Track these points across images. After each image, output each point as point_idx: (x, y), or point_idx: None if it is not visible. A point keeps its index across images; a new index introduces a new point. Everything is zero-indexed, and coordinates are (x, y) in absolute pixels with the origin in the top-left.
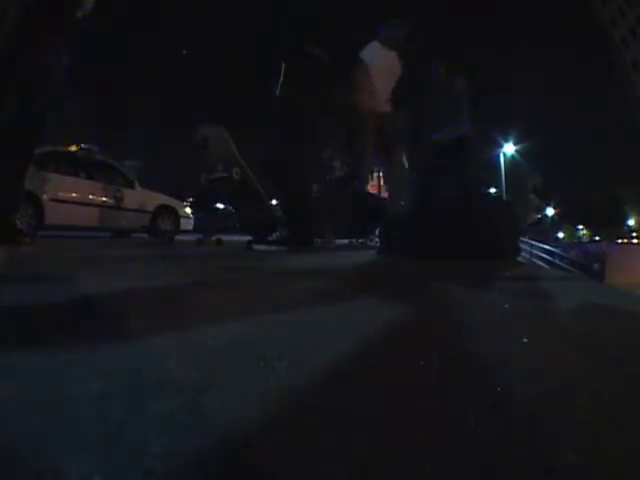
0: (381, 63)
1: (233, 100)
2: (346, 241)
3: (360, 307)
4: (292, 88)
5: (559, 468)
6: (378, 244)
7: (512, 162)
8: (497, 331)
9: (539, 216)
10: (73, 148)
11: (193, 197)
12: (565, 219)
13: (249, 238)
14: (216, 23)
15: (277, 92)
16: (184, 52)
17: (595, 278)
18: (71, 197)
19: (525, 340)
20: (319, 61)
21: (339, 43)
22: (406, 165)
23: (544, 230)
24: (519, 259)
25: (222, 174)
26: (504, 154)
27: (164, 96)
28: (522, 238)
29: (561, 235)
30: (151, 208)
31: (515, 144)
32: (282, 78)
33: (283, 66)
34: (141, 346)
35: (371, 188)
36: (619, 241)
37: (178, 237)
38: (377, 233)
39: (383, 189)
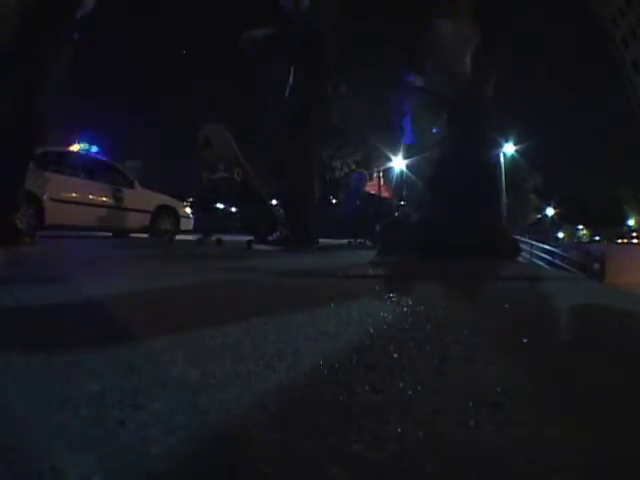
0: None
1: (236, 100)
2: (345, 241)
3: (359, 308)
4: (300, 89)
5: (559, 468)
6: (378, 244)
7: (512, 162)
8: (497, 331)
9: (539, 216)
10: (73, 148)
11: (193, 197)
12: (565, 219)
13: (249, 238)
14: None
15: (287, 93)
16: (184, 52)
17: (595, 278)
18: (71, 197)
19: (525, 340)
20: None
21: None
22: None
23: (544, 230)
24: (519, 259)
25: (224, 174)
26: (504, 154)
27: (166, 95)
28: (522, 238)
29: (561, 235)
30: (151, 208)
31: (515, 144)
32: (291, 79)
33: (292, 69)
34: (140, 346)
35: (371, 188)
36: (619, 241)
37: (178, 237)
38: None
39: (383, 189)
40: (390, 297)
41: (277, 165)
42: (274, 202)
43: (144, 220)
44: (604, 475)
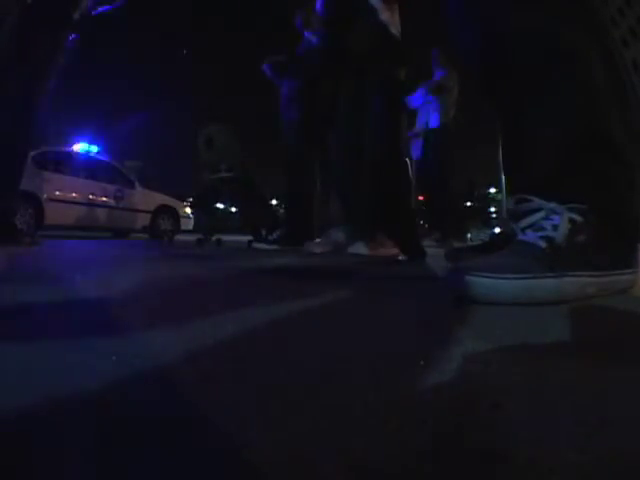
0: None
1: (242, 100)
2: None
3: (353, 305)
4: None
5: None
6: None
7: None
8: (497, 331)
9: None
10: (73, 148)
11: (193, 197)
12: None
13: (249, 238)
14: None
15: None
16: (185, 52)
17: None
18: (71, 197)
19: (525, 341)
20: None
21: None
22: None
23: None
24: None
25: (226, 174)
26: None
27: (167, 94)
28: None
29: None
30: (151, 208)
31: None
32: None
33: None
34: (140, 345)
35: None
36: None
37: (178, 237)
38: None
39: None
40: (392, 295)
41: (292, 165)
42: (274, 202)
43: (144, 220)
44: (605, 475)
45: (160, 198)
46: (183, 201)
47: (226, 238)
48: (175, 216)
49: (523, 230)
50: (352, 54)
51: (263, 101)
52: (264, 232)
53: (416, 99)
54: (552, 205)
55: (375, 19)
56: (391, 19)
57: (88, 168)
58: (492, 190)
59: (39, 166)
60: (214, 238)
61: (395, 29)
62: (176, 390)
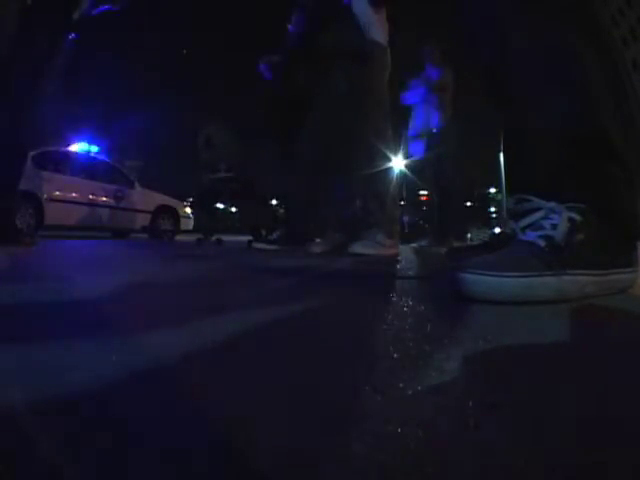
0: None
1: (240, 99)
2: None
3: (353, 305)
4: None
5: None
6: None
7: None
8: (497, 331)
9: None
10: (73, 148)
11: (193, 197)
12: None
13: (249, 238)
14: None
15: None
16: (184, 51)
17: None
18: (71, 197)
19: (525, 341)
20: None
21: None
22: None
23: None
24: None
25: (226, 174)
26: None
27: (167, 93)
28: None
29: None
30: (151, 208)
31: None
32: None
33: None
34: (140, 345)
35: None
36: None
37: (178, 237)
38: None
39: None
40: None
41: (296, 165)
42: (274, 202)
43: (144, 220)
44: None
45: (160, 198)
46: (183, 201)
47: (226, 238)
48: (175, 216)
49: (523, 230)
50: (322, 52)
51: (263, 101)
52: (264, 232)
53: (412, 97)
54: (551, 204)
55: (352, 21)
56: (379, 25)
57: (88, 168)
58: (492, 190)
59: (39, 166)
60: (214, 238)
61: (383, 34)
62: (176, 390)
